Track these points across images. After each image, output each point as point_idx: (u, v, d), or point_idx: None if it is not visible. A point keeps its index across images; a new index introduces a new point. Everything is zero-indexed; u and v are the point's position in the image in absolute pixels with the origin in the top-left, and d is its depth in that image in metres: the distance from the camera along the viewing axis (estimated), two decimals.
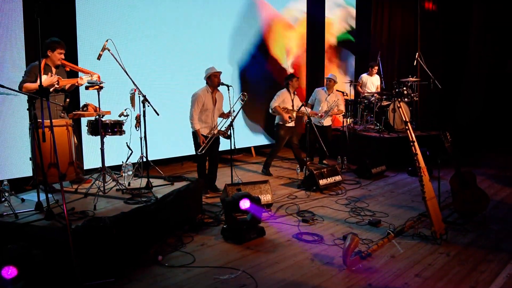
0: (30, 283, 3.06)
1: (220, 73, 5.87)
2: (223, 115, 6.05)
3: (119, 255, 3.60)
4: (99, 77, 4.69)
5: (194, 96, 5.82)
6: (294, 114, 7.10)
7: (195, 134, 5.84)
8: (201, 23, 7.81)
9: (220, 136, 5.95)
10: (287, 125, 7.08)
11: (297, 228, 4.67)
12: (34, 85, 4.26)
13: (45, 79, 4.46)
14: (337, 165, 6.97)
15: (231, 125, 5.74)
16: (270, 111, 7.19)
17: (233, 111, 5.81)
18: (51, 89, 4.47)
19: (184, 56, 7.57)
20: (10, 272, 2.93)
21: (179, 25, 7.48)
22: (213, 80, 5.82)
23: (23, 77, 4.52)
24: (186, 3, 7.57)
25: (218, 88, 5.97)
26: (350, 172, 7.43)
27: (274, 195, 5.73)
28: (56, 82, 4.52)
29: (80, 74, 5.07)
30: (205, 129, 5.88)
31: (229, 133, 5.74)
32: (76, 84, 4.75)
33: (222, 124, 5.95)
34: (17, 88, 4.16)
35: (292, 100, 7.12)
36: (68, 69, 4.91)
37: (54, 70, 4.70)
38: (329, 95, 7.84)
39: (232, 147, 5.71)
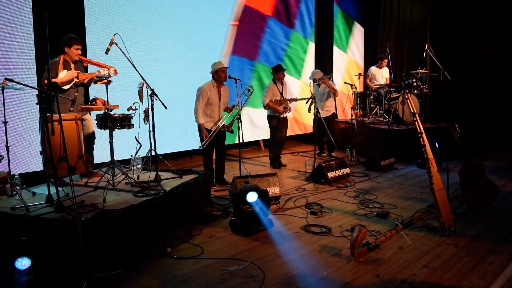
0: (41, 275, 3.12)
1: (226, 68, 5.92)
2: (227, 109, 6.08)
3: (128, 247, 3.65)
4: (115, 70, 4.74)
5: (199, 91, 5.85)
6: (289, 104, 7.11)
7: (199, 128, 5.87)
8: (209, 16, 7.82)
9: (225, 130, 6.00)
10: (280, 116, 7.12)
11: (305, 220, 4.69)
12: (54, 80, 4.44)
13: (67, 74, 4.58)
14: (346, 158, 6.95)
15: (239, 119, 5.76)
16: (264, 108, 7.21)
17: (237, 105, 5.85)
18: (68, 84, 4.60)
19: (193, 49, 7.59)
20: (23, 263, 2.99)
21: (187, 18, 7.50)
22: (220, 75, 5.85)
23: (43, 73, 4.63)
24: None
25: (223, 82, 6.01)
26: (359, 165, 7.42)
27: (283, 187, 5.75)
28: (76, 77, 4.63)
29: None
30: (210, 123, 5.92)
31: (232, 127, 5.78)
32: (95, 77, 4.82)
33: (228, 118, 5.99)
34: (27, 83, 4.20)
35: (281, 92, 7.11)
36: (85, 64, 5.00)
37: (72, 65, 4.81)
38: (319, 86, 7.80)
39: (241, 141, 5.74)
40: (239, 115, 5.77)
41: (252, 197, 4.30)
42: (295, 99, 7.27)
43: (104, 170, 4.67)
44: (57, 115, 3.60)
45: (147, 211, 3.97)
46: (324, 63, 10.30)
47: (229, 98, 6.15)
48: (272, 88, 7.08)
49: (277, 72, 7.08)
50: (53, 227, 3.47)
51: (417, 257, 3.73)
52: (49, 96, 3.81)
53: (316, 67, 9.81)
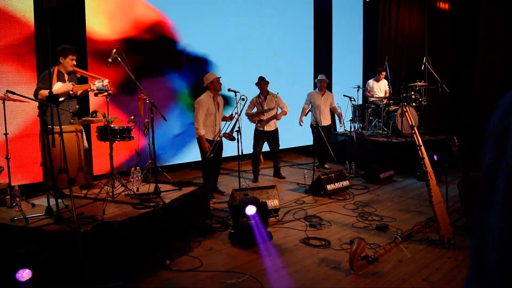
0: (40, 286, 3.10)
1: (220, 77, 6.00)
2: (226, 119, 6.14)
3: (127, 259, 3.64)
4: (109, 82, 4.77)
5: (198, 103, 5.89)
6: (264, 118, 7.05)
7: (199, 140, 5.90)
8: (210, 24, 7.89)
9: (225, 139, 6.02)
10: (259, 129, 7.13)
11: (304, 233, 4.68)
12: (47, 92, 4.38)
13: (61, 86, 4.58)
14: (345, 170, 6.96)
15: (237, 128, 5.80)
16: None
17: (234, 114, 5.90)
18: (63, 97, 4.58)
19: (194, 60, 7.66)
20: (24, 274, 2.98)
21: (190, 26, 7.57)
22: (216, 85, 5.93)
23: (37, 84, 4.62)
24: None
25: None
26: (358, 177, 7.42)
27: (282, 200, 5.75)
28: (71, 89, 4.64)
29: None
30: (210, 134, 5.96)
31: (234, 135, 5.81)
32: (89, 90, 4.84)
33: (225, 127, 6.01)
34: (28, 95, 4.23)
35: (262, 104, 7.09)
36: (79, 75, 5.00)
37: (66, 76, 4.80)
38: (323, 95, 7.86)
39: (240, 153, 5.75)
40: (239, 127, 5.80)
41: (251, 210, 4.30)
42: (268, 110, 7.05)
43: (104, 182, 4.68)
44: (58, 127, 3.62)
45: (147, 223, 3.97)
46: None
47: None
48: (254, 100, 7.15)
49: (257, 84, 7.12)
50: (52, 239, 3.47)
51: (416, 270, 3.73)
52: (50, 108, 3.83)
53: None
